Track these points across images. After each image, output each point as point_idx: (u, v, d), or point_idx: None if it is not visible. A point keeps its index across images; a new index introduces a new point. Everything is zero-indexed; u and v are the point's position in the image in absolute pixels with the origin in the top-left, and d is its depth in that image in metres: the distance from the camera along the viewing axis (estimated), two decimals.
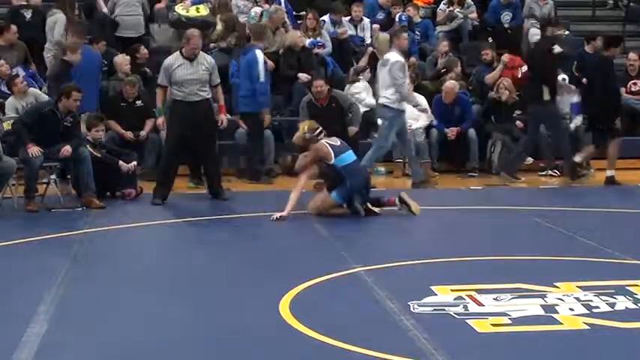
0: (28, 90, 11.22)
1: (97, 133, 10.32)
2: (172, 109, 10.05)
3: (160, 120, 10.29)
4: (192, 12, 13.79)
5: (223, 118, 10.22)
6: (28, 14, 13.51)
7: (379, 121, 11.63)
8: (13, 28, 12.68)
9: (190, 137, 9.99)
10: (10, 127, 10.18)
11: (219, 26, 13.47)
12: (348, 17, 14.53)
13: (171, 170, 10.06)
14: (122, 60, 12.49)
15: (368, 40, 14.25)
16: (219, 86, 10.21)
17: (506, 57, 13.49)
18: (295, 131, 12.20)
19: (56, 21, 12.55)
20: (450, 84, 12.67)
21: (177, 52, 10.12)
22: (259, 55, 11.50)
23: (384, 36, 13.89)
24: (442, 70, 13.44)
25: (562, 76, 13.07)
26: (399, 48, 11.13)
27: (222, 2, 13.94)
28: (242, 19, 14.02)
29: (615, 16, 17.49)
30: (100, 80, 11.89)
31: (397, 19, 14.19)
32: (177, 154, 10.11)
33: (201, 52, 10.13)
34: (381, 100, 11.19)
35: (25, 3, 13.75)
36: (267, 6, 13.97)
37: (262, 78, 11.45)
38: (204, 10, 13.86)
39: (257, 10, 14.08)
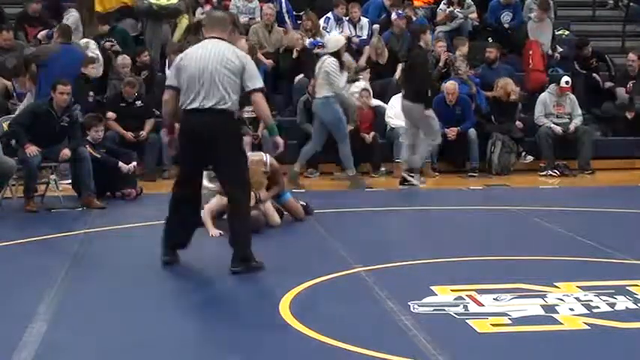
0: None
1: (97, 133, 10.32)
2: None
3: None
4: (163, 0, 13.24)
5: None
6: None
7: None
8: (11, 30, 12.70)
9: None
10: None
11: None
12: (347, 17, 14.54)
13: None
14: (122, 61, 12.51)
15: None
16: None
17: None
18: (295, 131, 12.29)
19: (68, 19, 12.54)
20: (451, 84, 12.67)
21: None
22: None
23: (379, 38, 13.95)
24: (443, 71, 13.44)
25: (565, 79, 13.09)
26: None
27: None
28: (242, 19, 14.03)
29: (615, 16, 17.50)
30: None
31: (394, 15, 14.15)
32: None
33: None
34: None
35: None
36: (265, 6, 13.98)
37: None
38: None
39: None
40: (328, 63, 10.91)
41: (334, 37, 11.68)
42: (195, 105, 6.55)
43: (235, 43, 12.00)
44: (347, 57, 11.43)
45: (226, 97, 6.51)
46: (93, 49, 12.47)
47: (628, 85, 13.80)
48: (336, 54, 10.97)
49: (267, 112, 6.76)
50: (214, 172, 7.11)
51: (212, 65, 6.51)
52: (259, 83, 6.65)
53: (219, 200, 8.11)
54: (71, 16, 12.59)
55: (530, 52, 14.07)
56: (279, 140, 6.83)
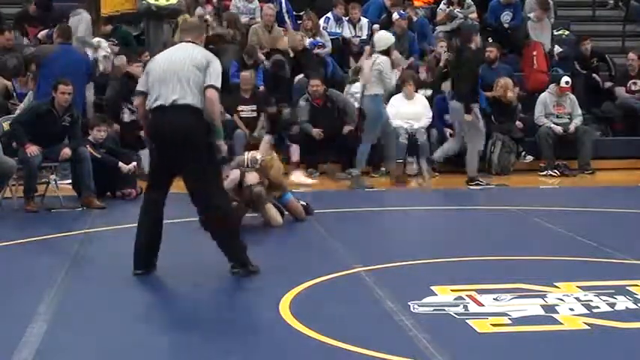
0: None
1: (99, 133, 10.32)
2: None
3: None
4: (162, 0, 13.24)
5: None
6: None
7: None
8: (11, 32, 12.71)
9: None
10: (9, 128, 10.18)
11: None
12: (347, 17, 14.55)
13: None
14: (122, 61, 12.51)
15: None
16: None
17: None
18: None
19: (80, 20, 12.52)
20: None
21: None
22: None
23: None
24: (443, 71, 13.42)
25: (565, 79, 13.09)
26: None
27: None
28: (242, 19, 14.03)
29: (615, 16, 17.51)
30: (84, 85, 11.25)
31: (396, 15, 14.15)
32: None
33: None
34: None
35: None
36: (265, 6, 13.98)
37: None
38: None
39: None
40: (381, 61, 10.85)
41: (384, 36, 11.46)
42: (160, 102, 6.42)
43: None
44: (396, 54, 11.38)
45: (188, 92, 6.35)
46: (105, 48, 12.50)
47: (628, 85, 13.82)
48: (387, 52, 10.93)
49: (217, 111, 6.53)
50: (183, 179, 6.64)
51: (179, 63, 6.41)
52: (216, 82, 6.44)
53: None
54: (83, 17, 12.58)
55: (535, 53, 14.03)
56: (223, 145, 6.61)
